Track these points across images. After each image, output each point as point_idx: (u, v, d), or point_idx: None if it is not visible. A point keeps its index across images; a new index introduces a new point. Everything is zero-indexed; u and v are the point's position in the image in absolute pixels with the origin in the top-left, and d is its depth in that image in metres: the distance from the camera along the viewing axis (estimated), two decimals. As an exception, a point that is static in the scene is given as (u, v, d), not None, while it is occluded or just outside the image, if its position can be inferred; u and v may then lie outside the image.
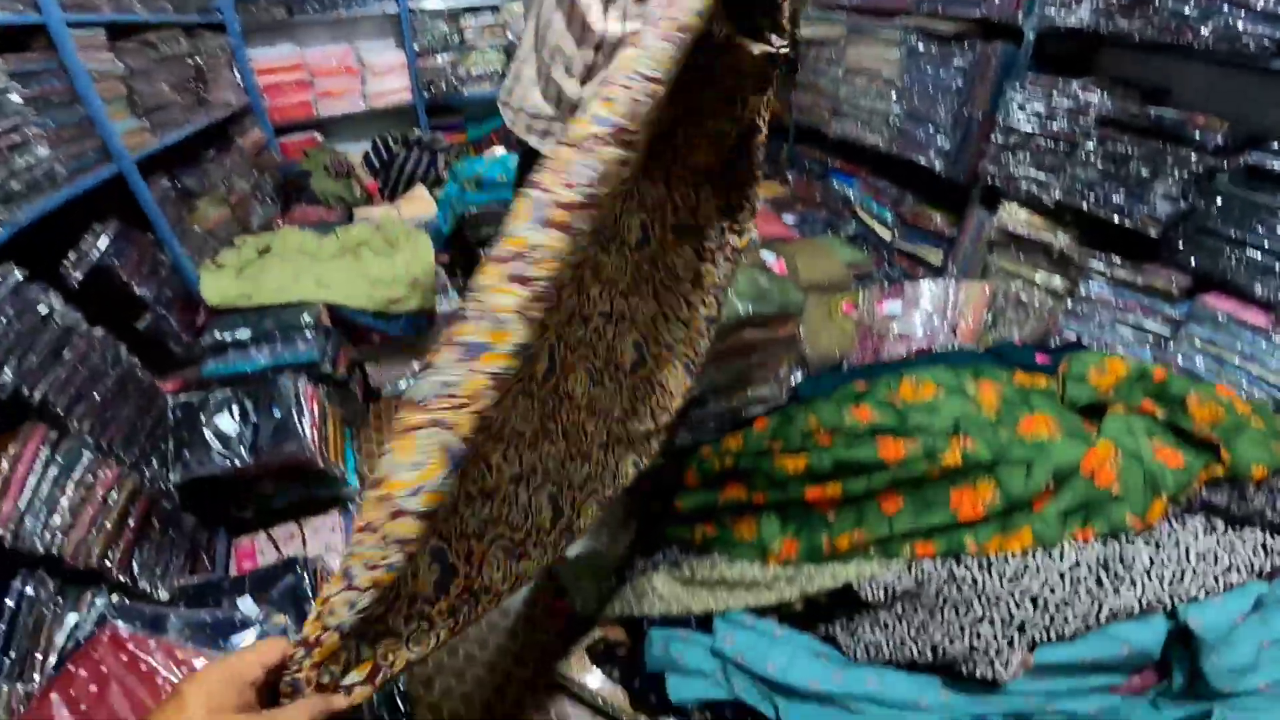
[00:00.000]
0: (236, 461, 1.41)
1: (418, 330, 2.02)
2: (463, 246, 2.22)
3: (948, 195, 2.37)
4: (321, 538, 1.60)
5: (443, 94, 3.23)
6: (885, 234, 2.64)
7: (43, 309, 1.13)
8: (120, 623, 0.98)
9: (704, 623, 1.31)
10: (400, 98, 3.16)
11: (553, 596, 1.58)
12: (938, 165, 2.27)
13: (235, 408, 1.48)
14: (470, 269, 2.25)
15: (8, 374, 1.03)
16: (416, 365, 2.18)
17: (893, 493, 1.17)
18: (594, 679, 1.36)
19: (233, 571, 1.50)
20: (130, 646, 0.96)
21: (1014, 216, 2.08)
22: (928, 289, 2.07)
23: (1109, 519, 1.08)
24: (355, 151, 3.06)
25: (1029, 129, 1.91)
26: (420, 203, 2.64)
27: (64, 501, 1.05)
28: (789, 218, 2.67)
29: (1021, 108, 1.91)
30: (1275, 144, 1.45)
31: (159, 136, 1.85)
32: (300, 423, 1.46)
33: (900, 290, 2.09)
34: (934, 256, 2.45)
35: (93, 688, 0.91)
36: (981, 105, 2.04)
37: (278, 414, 1.46)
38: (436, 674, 1.45)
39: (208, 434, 1.42)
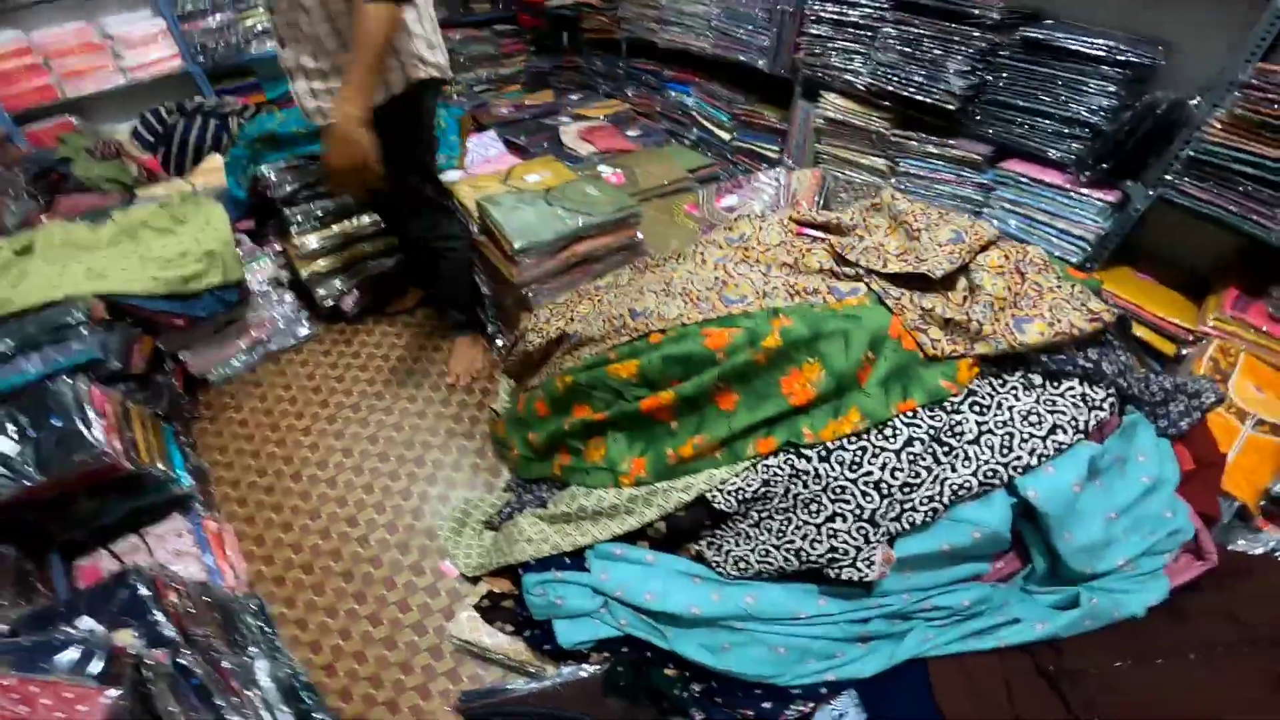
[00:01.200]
0: (25, 482, 1.22)
1: (227, 306, 1.81)
2: (268, 208, 2.00)
3: (776, 91, 2.41)
4: (168, 544, 1.44)
5: (222, 56, 2.89)
6: (725, 135, 2.66)
7: None
8: (-67, 660, 0.85)
9: (577, 556, 1.28)
10: (169, 66, 2.85)
11: (438, 559, 1.53)
12: (760, 62, 2.29)
13: (10, 425, 1.26)
14: (282, 231, 2.03)
15: None
16: (242, 342, 1.98)
17: (726, 390, 1.16)
18: (489, 636, 1.32)
19: (78, 594, 1.34)
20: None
21: (833, 104, 2.15)
22: (762, 181, 2.11)
23: (925, 386, 1.09)
24: (127, 129, 2.68)
25: (835, 17, 1.96)
26: (214, 174, 2.34)
27: None
28: (631, 132, 2.62)
29: (824, -1, 1.93)
30: (1048, 20, 1.57)
31: None
32: (88, 428, 1.27)
33: (737, 184, 2.12)
34: (771, 151, 2.50)
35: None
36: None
37: (58, 423, 1.26)
38: (336, 659, 1.38)
39: (-19, 462, 1.21)
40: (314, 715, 1.19)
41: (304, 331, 2.10)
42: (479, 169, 2.18)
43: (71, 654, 0.90)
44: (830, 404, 1.11)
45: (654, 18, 2.65)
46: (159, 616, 1.08)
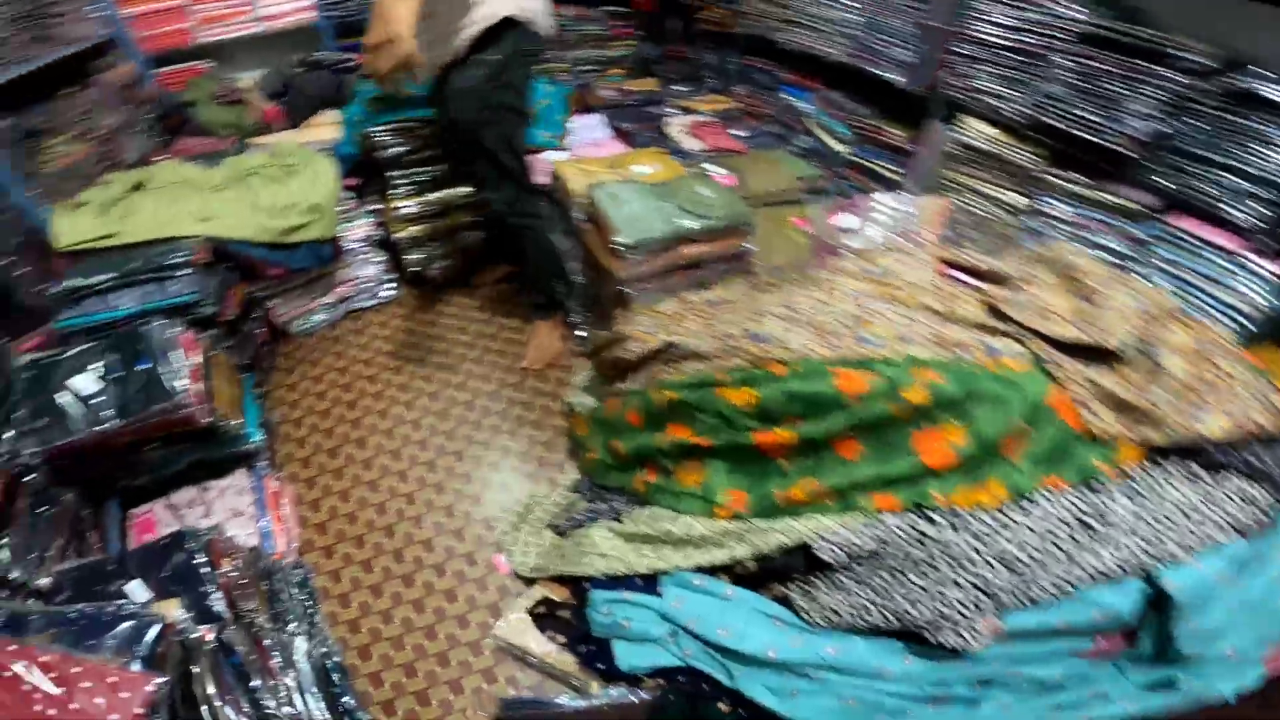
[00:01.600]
0: (101, 426, 1.20)
1: (321, 260, 1.80)
2: (374, 168, 1.98)
3: (907, 108, 2.23)
4: (227, 501, 1.43)
5: (353, 13, 2.92)
6: (839, 148, 2.49)
7: None
8: (-28, 624, 0.84)
9: (650, 579, 1.21)
10: (302, 17, 2.87)
11: (493, 552, 1.47)
12: (897, 77, 2.11)
13: (96, 363, 1.26)
14: (383, 191, 2.01)
15: None
16: (328, 298, 1.97)
17: (851, 438, 1.06)
18: (537, 643, 1.26)
19: (131, 548, 1.33)
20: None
21: (975, 130, 1.96)
22: (884, 203, 1.94)
23: (1078, 465, 0.99)
24: (253, 77, 2.72)
25: (994, 40, 1.78)
26: (327, 128, 2.34)
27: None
28: (738, 132, 2.49)
29: (987, 18, 1.77)
30: (1258, 68, 1.37)
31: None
32: (174, 375, 1.25)
33: (855, 204, 1.96)
34: (890, 171, 2.32)
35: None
36: (945, 14, 1.88)
37: (146, 366, 1.25)
38: (373, 642, 1.34)
39: (64, 397, 1.21)
40: (342, 699, 1.16)
41: (388, 293, 2.08)
42: (583, 151, 2.10)
43: (121, 629, 0.86)
44: (968, 468, 0.99)
45: (781, 17, 2.49)
46: (210, 588, 1.05)
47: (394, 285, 2.10)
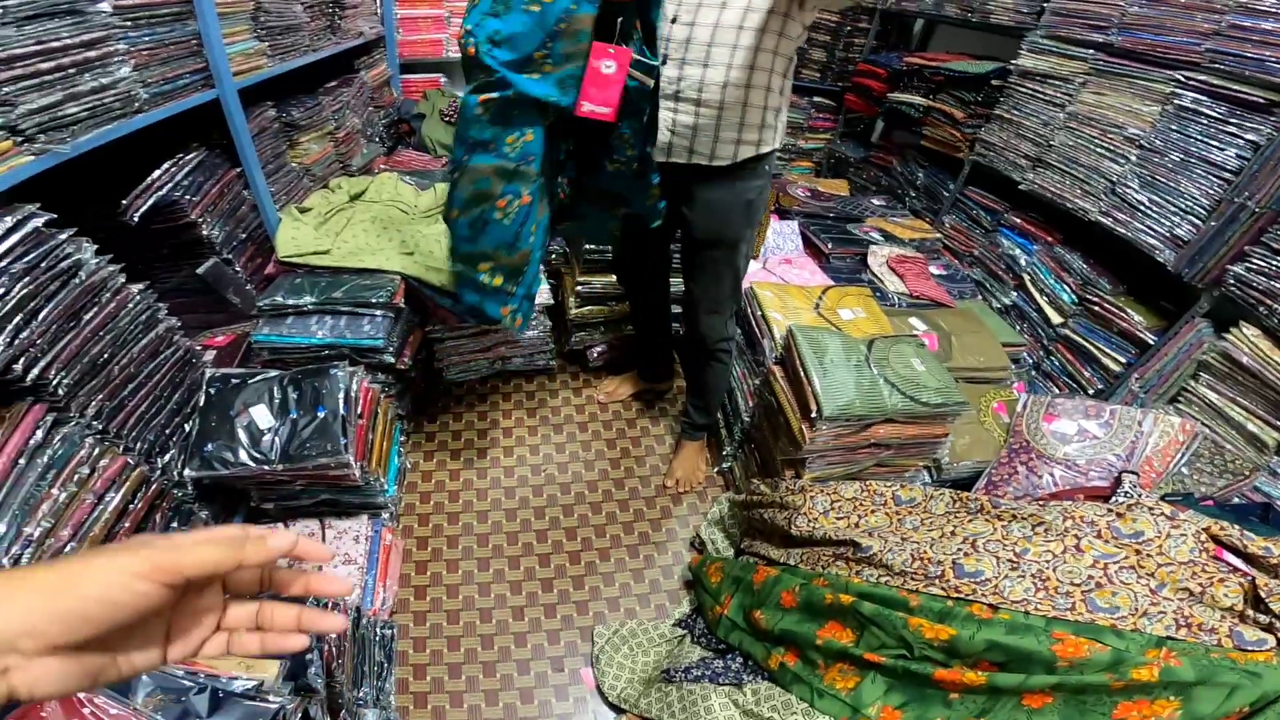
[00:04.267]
0: (264, 466, 1.21)
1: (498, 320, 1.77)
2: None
3: (1160, 292, 1.91)
4: (343, 545, 1.41)
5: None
6: (1055, 316, 2.19)
7: (66, 263, 0.92)
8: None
9: None
10: None
11: (583, 664, 1.39)
12: (1165, 255, 1.80)
13: (276, 396, 1.27)
14: (568, 258, 1.97)
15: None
16: (488, 354, 1.95)
17: (1045, 693, 0.93)
18: None
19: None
20: (86, 712, 0.79)
21: (1249, 344, 1.63)
22: (1114, 417, 1.64)
23: None
24: (476, 100, 2.83)
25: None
26: (529, 170, 2.38)
27: (46, 506, 0.86)
28: (936, 270, 2.26)
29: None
30: None
31: (277, 62, 1.64)
32: (345, 429, 1.24)
33: (1079, 408, 1.67)
34: (1113, 361, 2.00)
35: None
36: (1264, 197, 1.56)
37: (321, 414, 1.25)
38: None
39: (239, 425, 1.22)
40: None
41: (543, 362, 2.04)
42: (778, 268, 1.97)
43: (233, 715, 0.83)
44: None
45: (1030, 155, 2.23)
46: (314, 656, 1.01)
47: (549, 355, 2.05)
